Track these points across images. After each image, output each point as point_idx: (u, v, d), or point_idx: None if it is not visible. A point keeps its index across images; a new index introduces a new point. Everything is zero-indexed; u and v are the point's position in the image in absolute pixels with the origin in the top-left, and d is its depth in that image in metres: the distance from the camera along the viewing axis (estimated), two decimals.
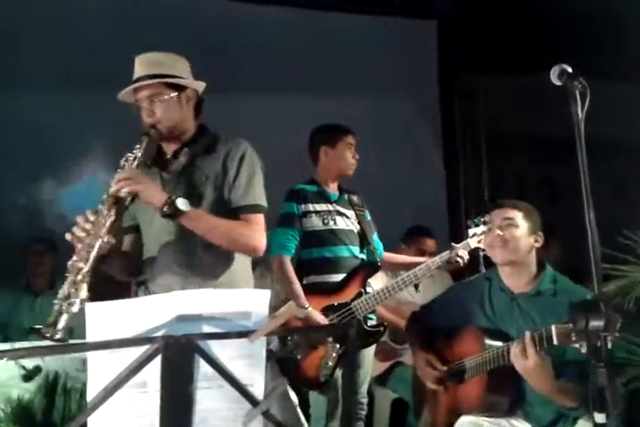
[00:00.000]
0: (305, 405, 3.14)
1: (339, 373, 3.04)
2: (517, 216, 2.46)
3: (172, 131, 2.30)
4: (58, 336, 1.87)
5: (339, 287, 3.16)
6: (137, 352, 1.32)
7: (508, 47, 4.77)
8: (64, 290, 1.95)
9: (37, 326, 1.89)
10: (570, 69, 1.76)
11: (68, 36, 4.35)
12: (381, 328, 3.19)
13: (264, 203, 2.33)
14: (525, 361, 2.13)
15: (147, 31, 4.31)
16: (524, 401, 2.36)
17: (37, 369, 2.00)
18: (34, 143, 4.32)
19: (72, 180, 4.35)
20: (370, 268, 3.23)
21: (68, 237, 2.05)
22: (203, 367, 1.37)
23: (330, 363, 3.02)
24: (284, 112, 4.63)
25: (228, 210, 2.27)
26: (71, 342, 1.82)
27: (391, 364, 3.81)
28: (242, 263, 2.34)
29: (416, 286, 3.86)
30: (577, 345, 1.94)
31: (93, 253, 2.01)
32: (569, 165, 1.76)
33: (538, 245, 2.47)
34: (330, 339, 2.98)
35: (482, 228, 3.07)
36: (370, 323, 3.19)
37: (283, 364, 2.84)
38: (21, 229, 4.27)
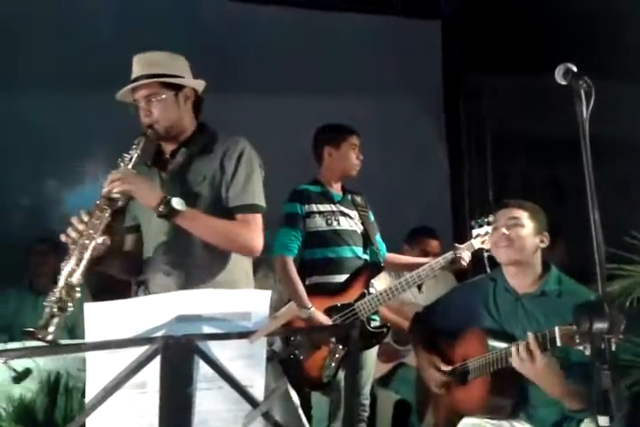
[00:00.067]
0: (307, 406, 3.13)
1: (341, 374, 3.03)
2: (523, 216, 2.45)
3: (169, 131, 2.29)
4: (49, 338, 1.88)
5: (342, 288, 3.15)
6: (136, 353, 1.31)
7: (512, 47, 4.76)
8: (56, 292, 1.95)
9: (29, 329, 1.89)
10: (575, 68, 1.75)
11: (67, 36, 4.35)
12: (384, 329, 3.18)
13: (262, 202, 2.31)
14: (533, 364, 2.11)
15: (147, 31, 4.31)
16: (528, 403, 2.34)
17: (27, 371, 2.00)
18: (36, 143, 4.32)
19: (75, 180, 4.35)
20: (373, 268, 3.22)
21: (62, 238, 2.05)
22: (202, 368, 1.36)
23: (332, 364, 3.01)
24: (287, 112, 4.62)
25: (226, 209, 2.26)
26: (71, 342, 1.83)
27: (394, 365, 3.80)
28: (240, 263, 2.31)
29: (419, 287, 3.85)
30: (581, 347, 1.92)
31: (86, 255, 2.01)
32: (574, 164, 1.74)
33: (543, 245, 2.46)
34: (333, 339, 2.97)
35: (486, 228, 3.07)
36: (373, 324, 3.18)
37: (285, 364, 2.84)
38: (24, 230, 4.28)
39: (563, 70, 1.75)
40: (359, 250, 3.24)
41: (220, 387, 1.37)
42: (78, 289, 1.98)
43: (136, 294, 2.32)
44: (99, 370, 1.33)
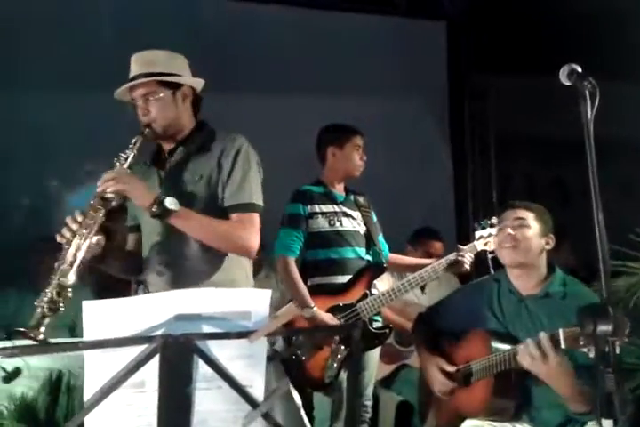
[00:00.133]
0: (309, 406, 3.12)
1: (344, 374, 3.02)
2: (529, 217, 2.43)
3: (166, 129, 2.27)
4: (40, 337, 1.89)
5: (344, 288, 3.14)
6: (135, 351, 1.30)
7: (517, 47, 4.75)
8: (47, 292, 1.95)
9: (20, 329, 1.90)
10: (579, 69, 1.73)
11: (67, 36, 4.34)
12: (387, 330, 3.17)
13: (259, 201, 2.27)
14: (546, 362, 2.09)
15: (146, 31, 4.29)
16: (531, 405, 2.33)
17: (17, 371, 2.01)
18: (37, 143, 4.32)
19: (78, 179, 4.35)
20: (375, 269, 3.21)
21: (57, 238, 2.05)
22: (201, 368, 1.35)
23: (334, 364, 3.00)
24: (291, 112, 4.62)
25: (223, 209, 2.24)
26: (70, 340, 1.83)
27: (396, 366, 3.79)
28: (238, 264, 2.28)
29: (422, 288, 3.83)
30: (585, 349, 1.91)
31: (80, 255, 2.00)
32: (578, 165, 1.73)
33: (549, 247, 2.44)
34: (336, 339, 2.96)
35: (488, 230, 3.06)
36: (375, 325, 3.16)
37: (287, 364, 2.83)
38: (25, 229, 4.28)
39: (567, 71, 1.74)
40: (362, 251, 3.23)
41: (220, 387, 1.36)
42: (70, 289, 1.97)
43: (136, 293, 2.31)
44: (97, 369, 1.32)
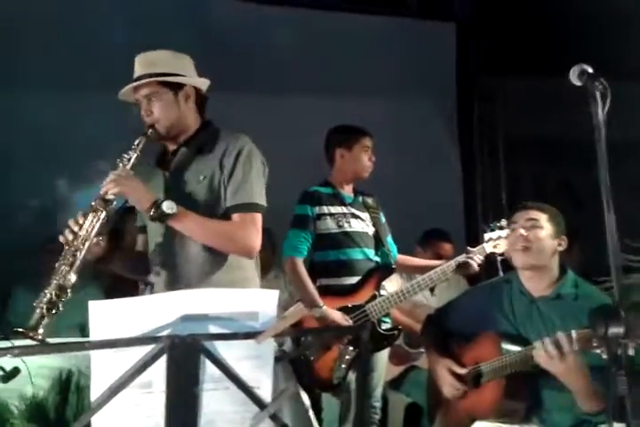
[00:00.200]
0: (317, 408, 3.12)
1: (352, 376, 3.01)
2: (542, 218, 2.41)
3: (170, 130, 2.27)
4: (39, 337, 1.91)
5: (353, 290, 3.13)
6: (142, 352, 1.30)
7: (526, 49, 4.74)
8: (47, 293, 1.96)
9: (19, 329, 1.92)
10: (590, 70, 1.72)
11: (68, 36, 4.35)
12: (396, 332, 3.16)
13: (261, 201, 2.25)
14: (563, 361, 2.07)
15: (153, 31, 4.30)
16: (541, 407, 2.31)
17: (16, 370, 2.01)
18: (40, 144, 4.33)
19: (87, 179, 4.36)
20: (384, 270, 3.21)
21: (60, 239, 2.05)
22: (209, 368, 1.34)
23: (343, 365, 2.99)
24: (300, 113, 4.61)
25: (224, 209, 2.22)
26: (76, 340, 1.83)
27: (405, 368, 3.77)
28: (242, 264, 2.26)
29: (432, 290, 3.83)
30: (598, 351, 1.89)
31: (80, 256, 2.01)
32: (587, 167, 1.72)
33: (561, 248, 2.42)
34: (345, 340, 2.96)
35: (498, 233, 3.04)
36: (384, 326, 3.15)
37: (296, 365, 2.82)
38: (34, 229, 4.28)
39: (578, 71, 1.72)
40: (370, 252, 3.22)
41: (227, 388, 1.35)
42: (69, 290, 1.98)
43: (143, 294, 2.32)
44: (104, 369, 1.32)
